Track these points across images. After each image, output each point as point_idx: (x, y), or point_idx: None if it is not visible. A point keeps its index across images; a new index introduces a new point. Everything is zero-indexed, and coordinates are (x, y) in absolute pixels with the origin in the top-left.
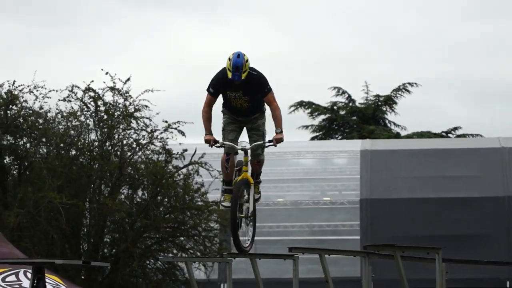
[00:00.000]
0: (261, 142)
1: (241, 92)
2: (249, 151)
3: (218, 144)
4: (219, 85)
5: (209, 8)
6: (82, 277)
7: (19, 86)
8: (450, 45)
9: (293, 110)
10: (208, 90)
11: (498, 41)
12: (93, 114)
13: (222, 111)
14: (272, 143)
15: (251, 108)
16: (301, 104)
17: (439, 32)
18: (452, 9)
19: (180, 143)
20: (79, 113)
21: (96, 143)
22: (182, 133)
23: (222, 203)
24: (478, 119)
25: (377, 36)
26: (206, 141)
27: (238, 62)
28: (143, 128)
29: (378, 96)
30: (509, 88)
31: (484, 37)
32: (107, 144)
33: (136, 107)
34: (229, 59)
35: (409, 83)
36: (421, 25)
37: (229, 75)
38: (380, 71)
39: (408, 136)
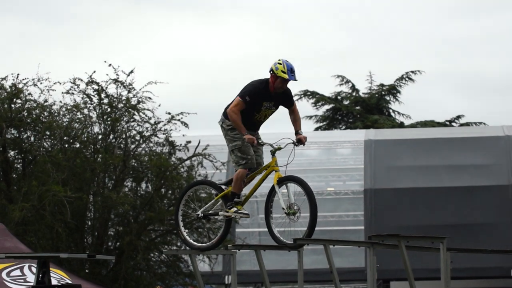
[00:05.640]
0: (291, 142)
1: (273, 103)
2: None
3: (260, 143)
4: (258, 95)
5: (205, 7)
6: (87, 271)
7: (23, 79)
8: (442, 41)
9: (297, 99)
10: (243, 98)
11: (486, 38)
12: (96, 106)
13: (232, 127)
14: (301, 143)
15: (262, 122)
16: (305, 94)
17: (431, 28)
18: (440, 7)
19: (183, 135)
20: (82, 105)
21: (100, 136)
22: (186, 125)
23: (241, 212)
24: (473, 110)
25: (369, 32)
26: (250, 140)
27: (292, 65)
28: (146, 120)
29: (382, 85)
30: (499, 81)
31: (471, 34)
32: (111, 137)
33: (140, 99)
34: (279, 63)
35: (412, 71)
36: (412, 21)
37: (285, 76)
38: (376, 66)
39: (412, 126)
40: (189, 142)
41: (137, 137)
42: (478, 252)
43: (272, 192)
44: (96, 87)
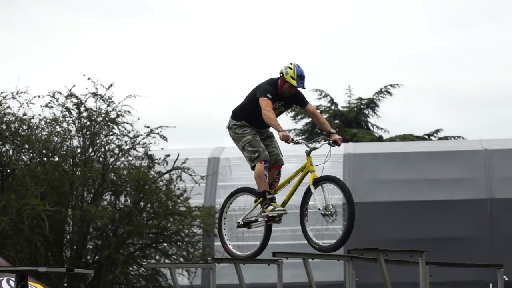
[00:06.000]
0: (326, 142)
1: (282, 102)
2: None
3: (295, 141)
4: (272, 94)
5: (185, 19)
6: (65, 284)
7: (2, 92)
8: (420, 54)
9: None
10: (266, 96)
11: (464, 51)
12: (75, 120)
13: (239, 125)
14: (337, 144)
15: None
16: None
17: (409, 42)
18: (419, 21)
19: (162, 148)
20: (61, 119)
21: (79, 150)
22: (164, 138)
23: (277, 210)
24: (451, 124)
25: (348, 46)
26: (285, 137)
27: (303, 71)
28: (125, 133)
29: (360, 99)
30: (477, 95)
31: (449, 48)
32: (90, 150)
33: (119, 113)
34: (290, 68)
35: (391, 85)
36: (390, 35)
37: (294, 83)
38: (355, 80)
39: (391, 139)
40: (168, 155)
41: (116, 151)
42: (457, 266)
43: (307, 193)
44: (75, 100)
